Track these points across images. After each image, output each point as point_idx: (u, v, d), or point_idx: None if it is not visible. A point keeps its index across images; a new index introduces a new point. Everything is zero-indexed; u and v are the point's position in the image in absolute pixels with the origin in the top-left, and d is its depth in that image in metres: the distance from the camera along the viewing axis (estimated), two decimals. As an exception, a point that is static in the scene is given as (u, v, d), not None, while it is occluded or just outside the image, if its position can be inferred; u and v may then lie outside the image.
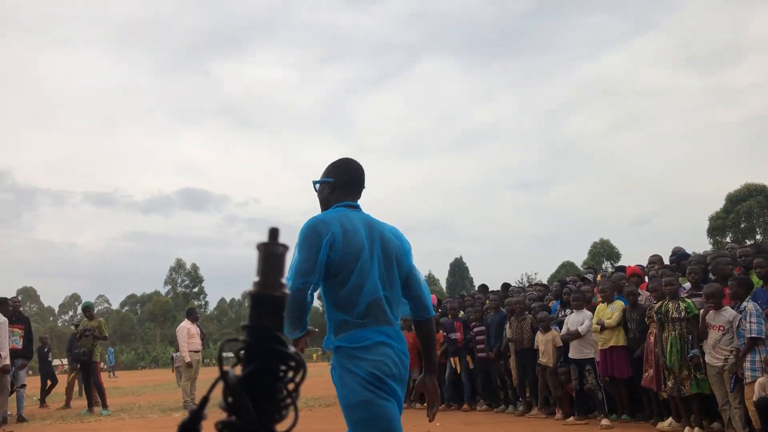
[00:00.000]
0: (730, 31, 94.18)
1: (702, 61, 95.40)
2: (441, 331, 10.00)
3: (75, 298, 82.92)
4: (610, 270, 15.81)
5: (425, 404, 2.86)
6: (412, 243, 2.82)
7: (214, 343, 52.99)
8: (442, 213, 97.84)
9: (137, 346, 65.55)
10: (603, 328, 7.46)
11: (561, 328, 8.14)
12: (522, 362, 8.74)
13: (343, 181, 2.75)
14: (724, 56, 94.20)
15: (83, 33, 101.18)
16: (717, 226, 51.09)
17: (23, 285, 76.81)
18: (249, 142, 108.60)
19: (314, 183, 2.82)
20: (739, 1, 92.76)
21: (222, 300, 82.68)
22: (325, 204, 2.77)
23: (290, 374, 0.73)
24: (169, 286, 78.50)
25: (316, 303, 2.83)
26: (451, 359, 9.96)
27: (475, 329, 9.71)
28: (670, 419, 6.66)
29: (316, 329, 2.62)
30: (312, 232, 2.50)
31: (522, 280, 49.37)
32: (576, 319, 7.86)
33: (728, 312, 5.99)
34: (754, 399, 5.52)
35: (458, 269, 73.25)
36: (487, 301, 9.98)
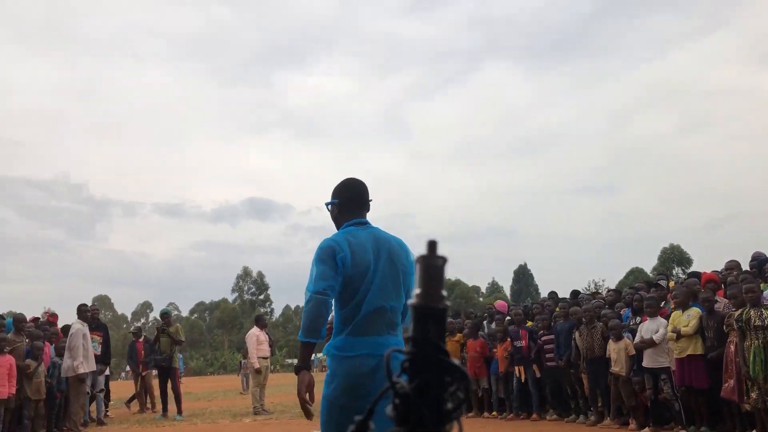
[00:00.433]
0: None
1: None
2: (508, 339, 9.88)
3: (147, 305, 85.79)
4: (681, 276, 15.29)
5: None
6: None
7: (279, 350, 53.81)
8: (505, 219, 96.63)
9: (206, 352, 67.14)
10: (679, 336, 7.20)
11: (632, 336, 7.91)
12: (593, 371, 8.53)
13: (347, 201, 2.99)
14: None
15: (151, 49, 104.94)
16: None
17: (98, 293, 79.82)
18: (311, 151, 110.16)
19: (326, 204, 3.06)
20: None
21: (287, 307, 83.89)
22: (336, 223, 3.02)
23: (454, 386, 0.73)
24: (236, 294, 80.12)
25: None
26: (517, 368, 9.82)
27: (544, 337, 9.54)
28: (753, 432, 6.37)
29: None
30: (327, 251, 2.79)
31: (589, 286, 48.27)
32: (650, 327, 7.62)
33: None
34: None
35: (523, 276, 72.13)
36: (557, 309, 9.79)
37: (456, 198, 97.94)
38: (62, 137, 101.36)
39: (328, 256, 2.77)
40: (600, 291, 31.88)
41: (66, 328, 10.36)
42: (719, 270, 8.68)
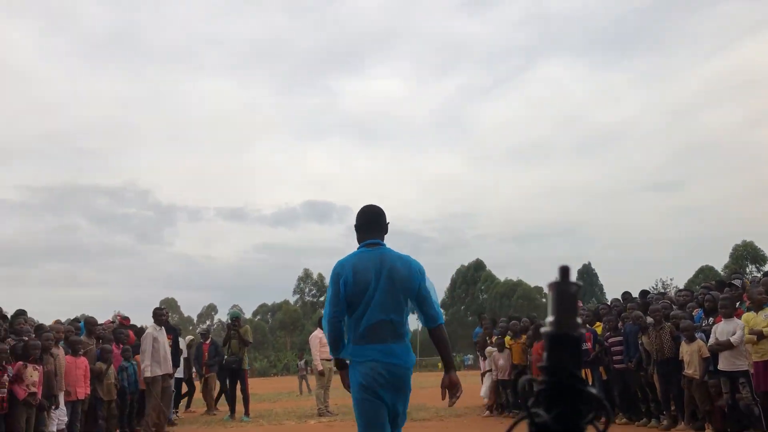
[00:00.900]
0: None
1: None
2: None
3: (211, 308, 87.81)
4: (756, 275, 14.64)
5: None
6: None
7: (341, 352, 54.09)
8: (568, 218, 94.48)
9: (269, 353, 68.26)
10: (761, 337, 6.88)
11: (705, 338, 7.62)
12: (664, 373, 8.25)
13: (360, 225, 3.57)
14: None
15: (213, 59, 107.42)
16: None
17: (165, 296, 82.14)
18: (369, 154, 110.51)
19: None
20: None
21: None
22: (358, 242, 3.57)
23: (591, 415, 0.71)
24: (298, 296, 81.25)
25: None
26: (583, 371, 9.58)
27: (611, 339, 9.30)
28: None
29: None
30: (334, 275, 3.42)
31: (657, 286, 46.89)
32: (726, 329, 7.32)
33: None
34: None
35: (587, 276, 70.57)
36: (627, 310, 9.51)
37: (516, 198, 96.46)
38: (130, 145, 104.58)
39: (333, 281, 3.41)
40: (668, 290, 30.94)
41: (139, 332, 10.67)
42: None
